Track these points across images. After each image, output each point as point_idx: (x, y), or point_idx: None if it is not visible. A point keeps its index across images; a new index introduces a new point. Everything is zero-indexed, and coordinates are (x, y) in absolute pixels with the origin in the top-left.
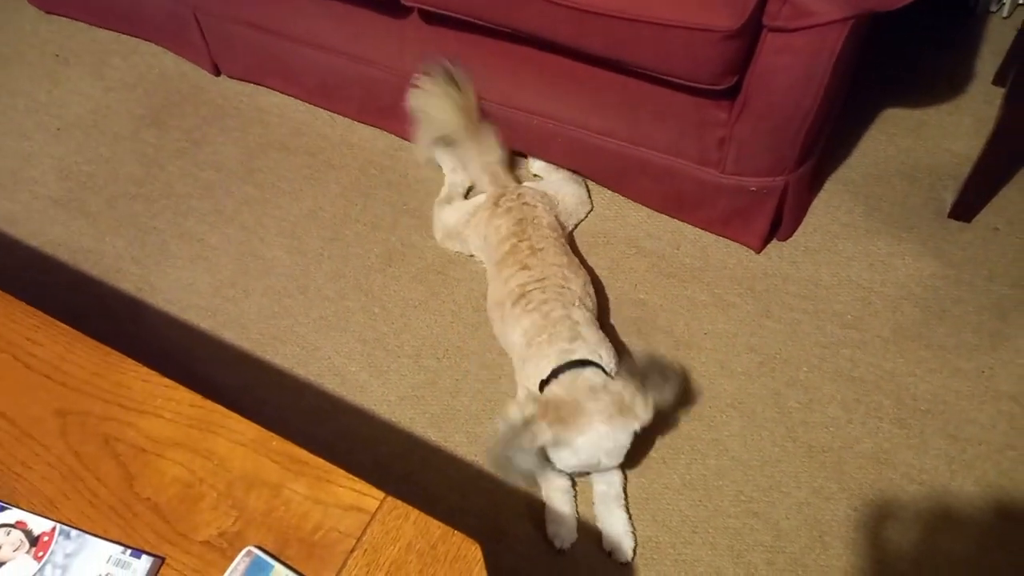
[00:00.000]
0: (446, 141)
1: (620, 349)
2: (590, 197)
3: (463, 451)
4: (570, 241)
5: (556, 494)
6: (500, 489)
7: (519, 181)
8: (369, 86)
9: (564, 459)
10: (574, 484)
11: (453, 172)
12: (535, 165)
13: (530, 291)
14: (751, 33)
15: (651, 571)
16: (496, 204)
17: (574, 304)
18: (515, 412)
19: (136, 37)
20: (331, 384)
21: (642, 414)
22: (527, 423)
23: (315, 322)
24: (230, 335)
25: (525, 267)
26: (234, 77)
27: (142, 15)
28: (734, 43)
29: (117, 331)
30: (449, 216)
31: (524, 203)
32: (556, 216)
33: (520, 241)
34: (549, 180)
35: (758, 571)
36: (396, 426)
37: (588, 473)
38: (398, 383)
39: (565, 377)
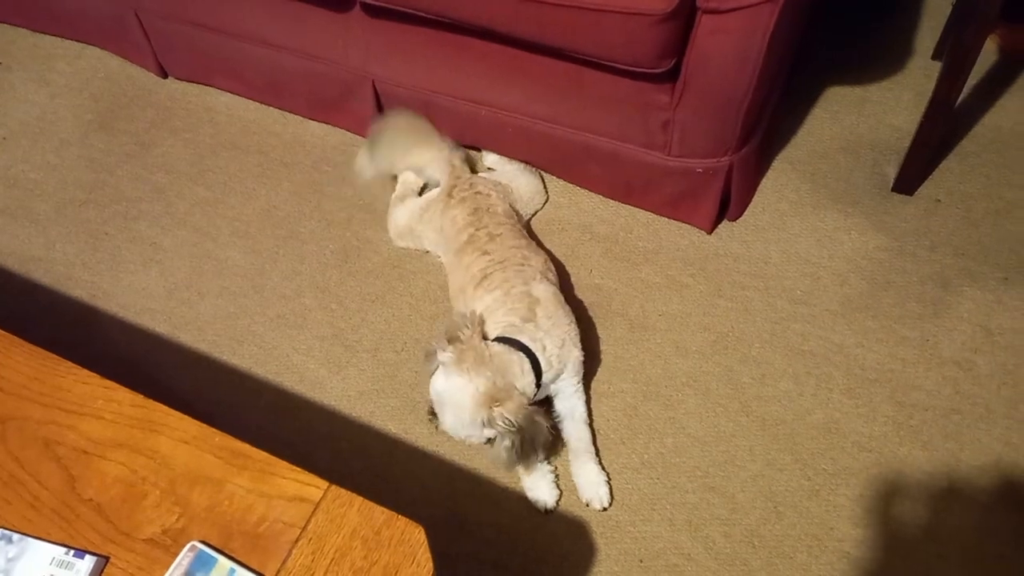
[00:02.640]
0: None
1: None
2: (545, 188)
3: (423, 443)
4: (527, 230)
5: None
6: (461, 478)
7: (474, 172)
8: (316, 81)
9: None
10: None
11: (406, 171)
12: (488, 158)
13: (491, 273)
14: (685, 15)
15: (612, 549)
16: (450, 195)
17: (535, 279)
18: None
19: (80, 41)
20: (290, 382)
21: (497, 420)
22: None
23: (272, 321)
24: (187, 338)
25: (485, 252)
26: (181, 78)
27: (83, 18)
28: (669, 26)
29: (70, 339)
30: (401, 215)
31: (477, 192)
32: (511, 204)
33: (477, 230)
34: (503, 171)
35: (715, 544)
36: (356, 421)
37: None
38: (357, 378)
39: (497, 346)
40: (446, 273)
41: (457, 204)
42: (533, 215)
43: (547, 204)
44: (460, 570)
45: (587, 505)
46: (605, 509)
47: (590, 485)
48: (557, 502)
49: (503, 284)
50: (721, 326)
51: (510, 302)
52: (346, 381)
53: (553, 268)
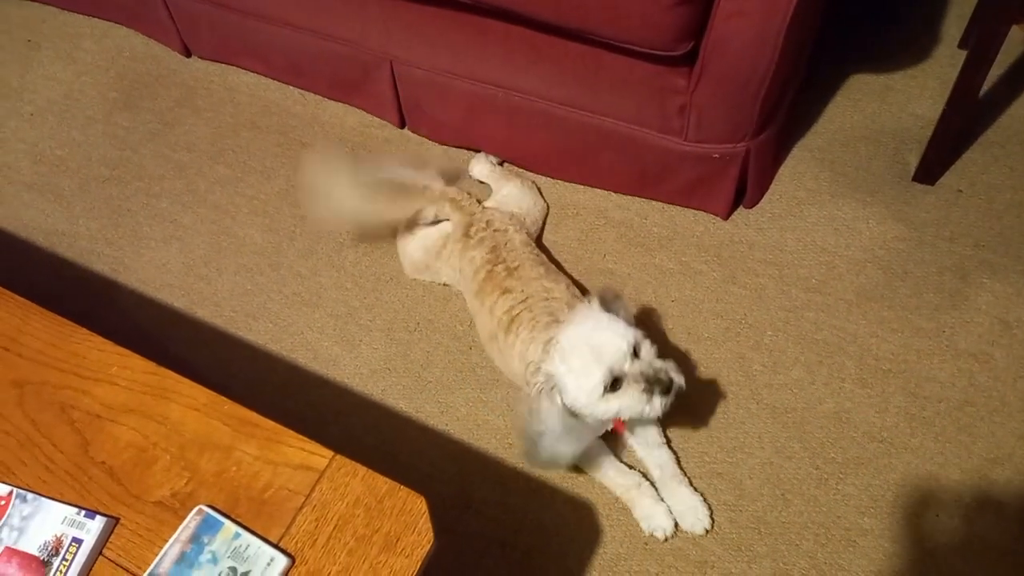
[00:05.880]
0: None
1: None
2: (543, 197)
3: (434, 421)
4: (539, 244)
5: (619, 480)
6: (469, 457)
7: (479, 201)
8: (336, 63)
9: (564, 358)
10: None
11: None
12: (475, 169)
13: (517, 314)
14: None
15: (617, 531)
16: (467, 235)
17: (562, 310)
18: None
19: (107, 20)
20: (304, 359)
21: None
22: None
23: (288, 298)
24: (204, 313)
25: (506, 291)
26: (204, 57)
27: None
28: (686, 8)
29: (92, 311)
30: (415, 250)
31: (495, 230)
32: (527, 232)
33: (495, 266)
34: (502, 194)
35: (721, 529)
36: (368, 398)
37: (609, 427)
38: (370, 356)
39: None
40: (470, 314)
41: (476, 245)
42: (543, 228)
43: (563, 188)
44: (466, 548)
45: (689, 531)
46: (708, 532)
47: (688, 512)
48: (676, 527)
49: (530, 323)
50: (734, 313)
51: (540, 336)
52: (359, 359)
53: (577, 293)
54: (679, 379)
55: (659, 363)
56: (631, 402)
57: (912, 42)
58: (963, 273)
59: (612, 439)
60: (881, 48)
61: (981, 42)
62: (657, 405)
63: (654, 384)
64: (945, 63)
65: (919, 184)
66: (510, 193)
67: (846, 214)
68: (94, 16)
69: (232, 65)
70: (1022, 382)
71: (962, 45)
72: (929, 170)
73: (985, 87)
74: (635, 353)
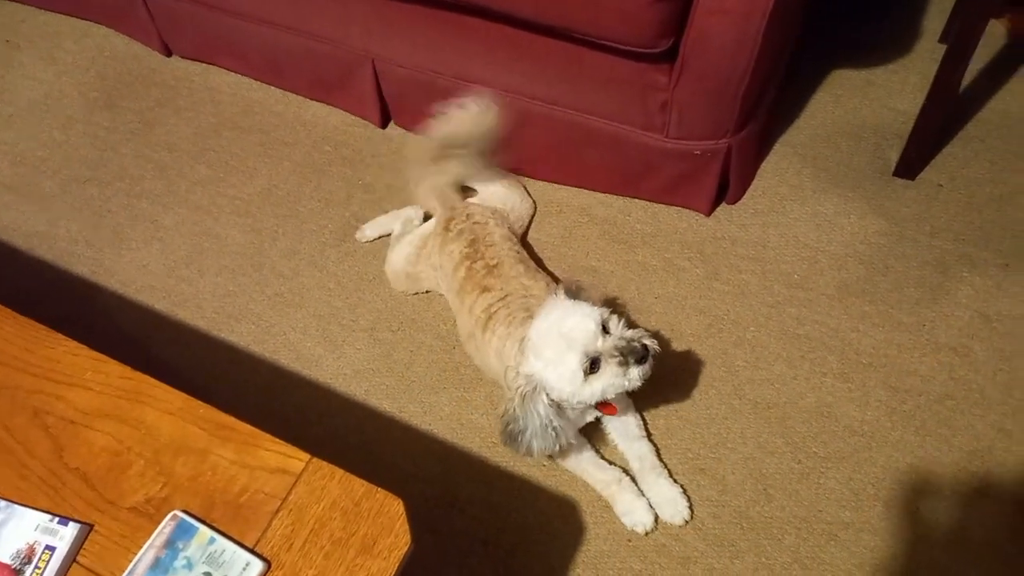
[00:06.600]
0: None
1: None
2: (530, 195)
3: (417, 421)
4: (524, 243)
5: (599, 476)
6: (453, 456)
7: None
8: (317, 61)
9: (537, 353)
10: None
11: (407, 208)
12: None
13: (495, 312)
14: None
15: (600, 528)
16: (447, 229)
17: (539, 306)
18: (507, 395)
19: (86, 19)
20: (286, 359)
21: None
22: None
23: (270, 299)
24: (185, 315)
25: (485, 289)
26: (185, 57)
27: None
28: (666, 4)
29: (72, 314)
30: (397, 256)
31: (475, 222)
32: (509, 227)
33: (474, 263)
34: (488, 192)
35: (704, 525)
36: (351, 399)
37: (591, 417)
38: (353, 357)
39: None
40: (453, 312)
41: (455, 238)
42: (529, 227)
43: (546, 185)
44: (451, 547)
45: (668, 522)
46: (687, 522)
47: (667, 503)
48: (656, 521)
49: (507, 319)
50: (717, 309)
51: (516, 332)
52: (342, 360)
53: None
54: (653, 344)
55: (629, 333)
56: (612, 379)
57: (894, 37)
58: (943, 267)
59: (593, 434)
60: (863, 43)
61: (960, 37)
62: (635, 375)
63: (628, 355)
64: (926, 58)
65: (900, 179)
66: (496, 191)
67: (828, 209)
68: (74, 16)
69: (212, 65)
70: (1001, 375)
71: (943, 40)
72: (910, 165)
73: (965, 81)
74: (605, 330)
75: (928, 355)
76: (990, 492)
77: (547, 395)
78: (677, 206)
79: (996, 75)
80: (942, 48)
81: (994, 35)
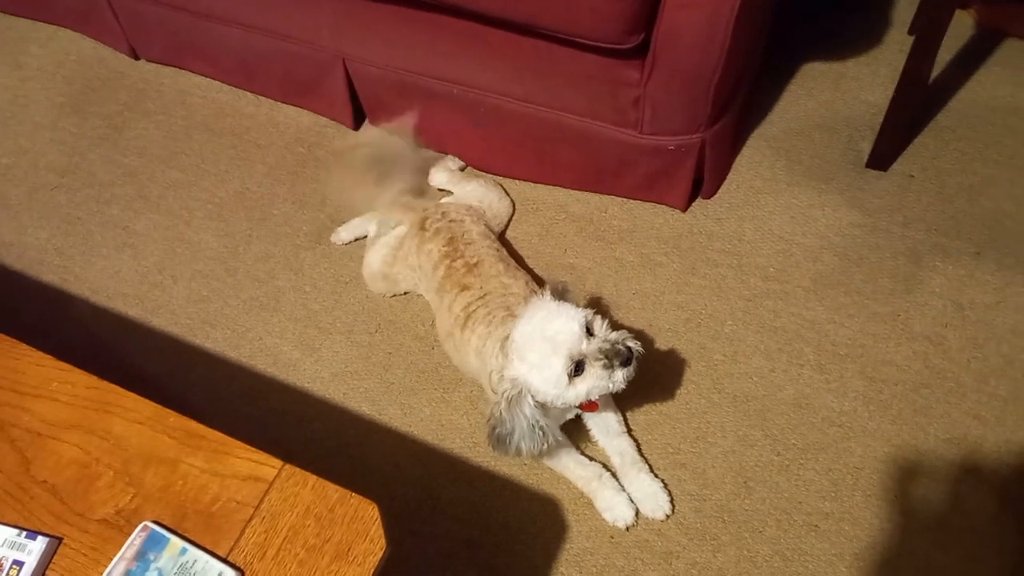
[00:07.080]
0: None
1: None
2: (508, 195)
3: (397, 423)
4: (502, 241)
5: (580, 472)
6: (434, 457)
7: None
8: (288, 63)
9: (522, 356)
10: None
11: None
12: (435, 178)
13: (474, 311)
14: None
15: (583, 526)
16: (423, 228)
17: (519, 305)
18: (490, 397)
19: (52, 24)
20: (263, 364)
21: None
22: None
23: (245, 303)
24: (159, 322)
25: (464, 287)
26: (153, 60)
27: (56, 0)
28: (635, 0)
29: (43, 324)
30: (374, 257)
31: (451, 220)
32: (486, 224)
33: (453, 261)
34: (465, 191)
35: (686, 519)
36: (330, 402)
37: (574, 414)
38: (331, 360)
39: None
40: (433, 312)
41: (432, 237)
42: (507, 225)
43: (523, 183)
44: (434, 549)
45: (650, 517)
46: (669, 517)
47: (648, 498)
48: (636, 515)
49: (486, 318)
50: (694, 304)
51: (496, 330)
52: (320, 363)
53: (536, 288)
54: (637, 347)
55: (614, 335)
56: (596, 381)
57: (865, 28)
58: (916, 257)
59: (574, 430)
60: (834, 35)
61: (927, 28)
62: (620, 377)
63: (613, 358)
64: (896, 49)
65: (872, 170)
66: (473, 189)
67: (802, 202)
68: (39, 20)
69: (181, 68)
70: (975, 363)
71: (912, 31)
72: (881, 156)
73: (935, 73)
74: (589, 332)
75: (903, 344)
76: (967, 478)
77: (532, 397)
78: (653, 202)
79: (965, 66)
80: (911, 39)
81: (962, 26)
